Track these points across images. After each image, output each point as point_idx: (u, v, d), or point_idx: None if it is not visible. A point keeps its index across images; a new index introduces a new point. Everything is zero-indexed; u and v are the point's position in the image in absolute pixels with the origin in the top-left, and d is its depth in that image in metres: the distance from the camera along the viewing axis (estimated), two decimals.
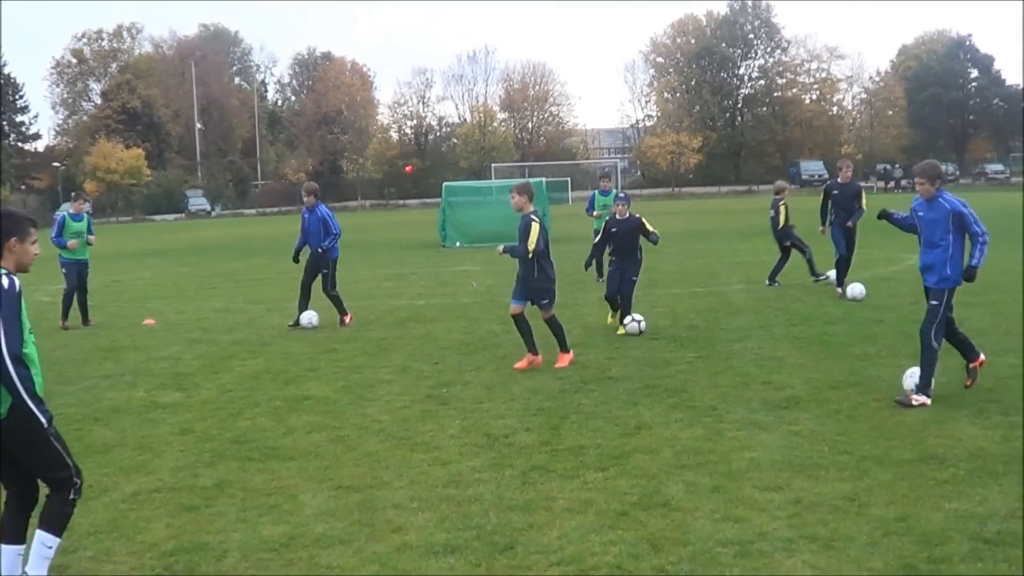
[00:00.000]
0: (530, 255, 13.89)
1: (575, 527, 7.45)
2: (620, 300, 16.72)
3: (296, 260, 19.43)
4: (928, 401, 10.83)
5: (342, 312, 18.96)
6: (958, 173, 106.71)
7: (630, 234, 16.69)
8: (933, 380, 11.00)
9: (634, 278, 16.84)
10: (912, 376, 11.17)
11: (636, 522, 7.53)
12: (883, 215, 12.01)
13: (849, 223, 19.95)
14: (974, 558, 6.58)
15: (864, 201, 20.20)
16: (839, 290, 20.09)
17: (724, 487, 8.30)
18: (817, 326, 16.36)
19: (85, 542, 7.48)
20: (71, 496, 6.31)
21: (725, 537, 7.13)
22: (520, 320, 13.93)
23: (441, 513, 7.83)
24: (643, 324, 16.26)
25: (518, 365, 13.79)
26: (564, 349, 14.11)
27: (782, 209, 22.21)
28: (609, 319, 17.25)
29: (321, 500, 8.31)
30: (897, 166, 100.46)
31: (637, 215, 16.76)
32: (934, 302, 11.14)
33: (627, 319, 16.32)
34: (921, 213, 11.33)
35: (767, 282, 22.26)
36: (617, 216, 16.83)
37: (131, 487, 8.89)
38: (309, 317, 18.51)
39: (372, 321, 19.18)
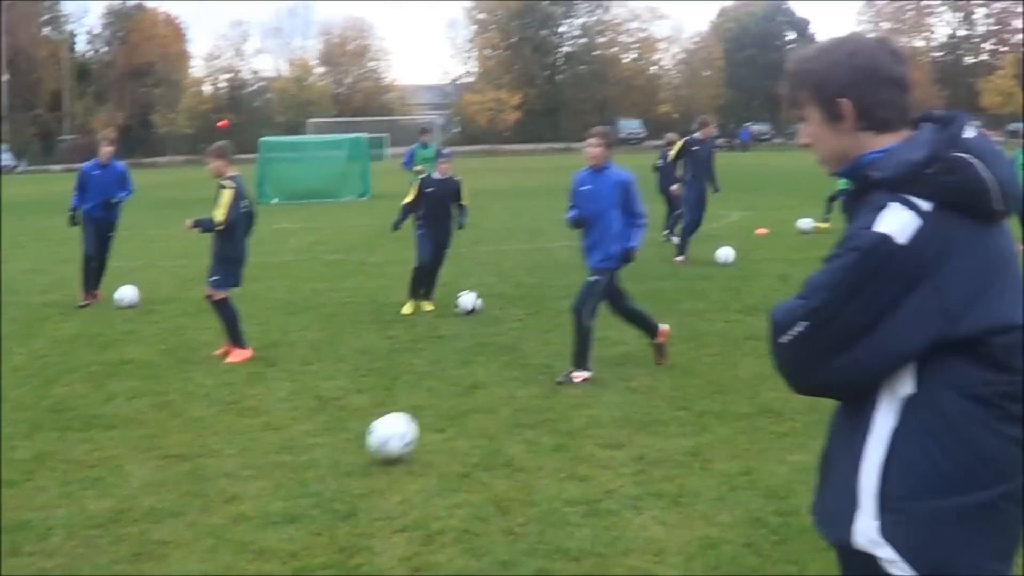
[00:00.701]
0: (218, 227, 11.76)
1: (417, 491, 7.24)
2: (429, 275, 14.83)
3: (75, 222, 16.49)
4: (590, 374, 10.40)
5: (95, 286, 16.35)
6: (773, 133, 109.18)
7: (447, 197, 14.71)
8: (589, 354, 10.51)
9: (447, 249, 15.03)
10: None
11: (480, 484, 7.37)
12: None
13: (713, 187, 19.96)
14: None
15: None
16: (680, 257, 19.36)
17: (566, 445, 8.21)
18: (645, 283, 16.40)
19: None
20: None
21: (571, 496, 7.02)
22: (223, 306, 12.12)
23: (276, 481, 7.51)
24: (478, 302, 14.45)
25: (218, 352, 12.10)
26: (237, 343, 12.07)
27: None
28: (408, 308, 14.62)
29: (148, 471, 7.89)
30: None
31: (458, 177, 14.94)
32: (595, 278, 10.43)
33: (461, 296, 14.54)
34: (588, 186, 10.51)
35: (665, 235, 22.23)
36: (437, 175, 14.84)
37: None
38: (124, 294, 16.00)
39: (190, 280, 18.52)
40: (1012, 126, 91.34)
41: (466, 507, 6.90)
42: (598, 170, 10.44)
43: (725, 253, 18.84)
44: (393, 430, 7.87)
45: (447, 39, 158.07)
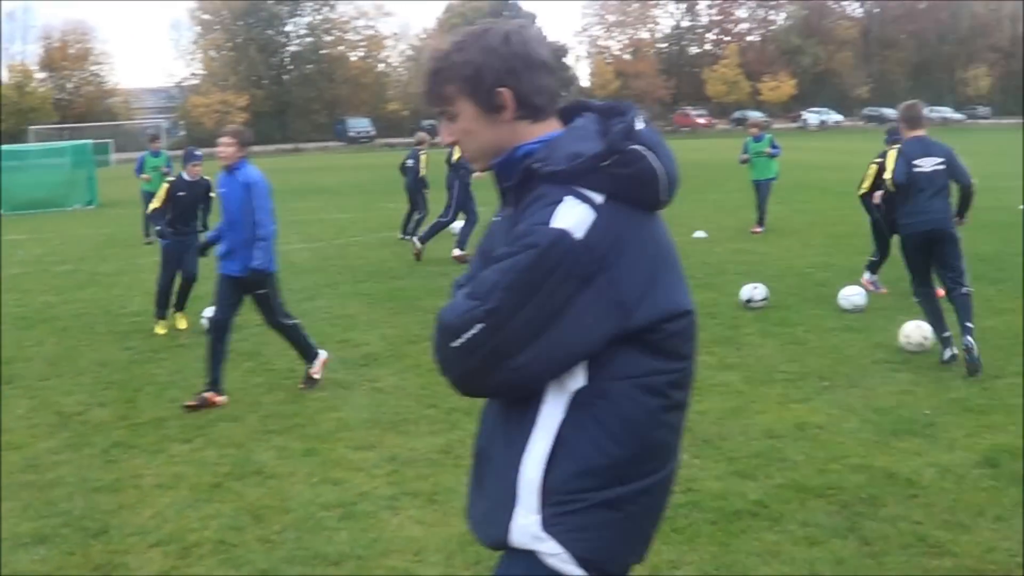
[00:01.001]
0: None
1: (169, 504, 7.18)
2: (184, 284, 13.90)
3: None
4: (324, 355, 10.50)
5: None
6: None
7: (198, 200, 13.78)
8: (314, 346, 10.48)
9: (199, 257, 13.59)
10: None
11: (232, 493, 7.35)
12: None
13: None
14: None
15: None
16: (418, 247, 19.20)
17: (317, 450, 8.25)
18: (384, 282, 16.56)
19: None
20: None
21: (326, 501, 7.08)
22: None
23: (23, 501, 7.29)
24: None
25: None
26: None
27: (423, 159, 21.93)
28: (160, 328, 13.58)
29: None
30: None
31: (207, 179, 13.87)
32: (262, 291, 9.97)
33: (207, 312, 12.90)
34: (223, 189, 10.08)
35: (402, 236, 22.05)
36: (187, 177, 13.68)
37: None
38: None
39: None
40: (737, 114, 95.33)
41: (220, 517, 6.88)
42: (231, 171, 9.98)
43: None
44: None
45: (171, 41, 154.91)
